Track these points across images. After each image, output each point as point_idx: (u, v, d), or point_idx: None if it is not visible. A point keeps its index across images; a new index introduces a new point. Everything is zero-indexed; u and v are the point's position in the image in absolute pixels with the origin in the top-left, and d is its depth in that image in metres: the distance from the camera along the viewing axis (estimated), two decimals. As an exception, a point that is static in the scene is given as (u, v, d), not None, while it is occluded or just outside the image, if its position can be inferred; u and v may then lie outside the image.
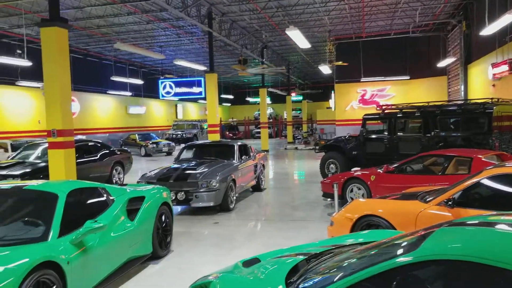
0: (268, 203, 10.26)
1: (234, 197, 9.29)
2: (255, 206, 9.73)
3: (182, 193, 8.44)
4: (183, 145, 11.18)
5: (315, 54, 29.80)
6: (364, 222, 5.12)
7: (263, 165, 11.68)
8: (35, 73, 18.56)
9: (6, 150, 15.88)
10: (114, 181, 12.76)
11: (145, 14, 17.56)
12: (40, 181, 5.09)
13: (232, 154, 10.24)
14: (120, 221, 5.01)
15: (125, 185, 6.74)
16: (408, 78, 23.45)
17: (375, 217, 5.08)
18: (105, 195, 5.16)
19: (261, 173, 11.45)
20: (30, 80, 20.15)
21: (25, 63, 15.97)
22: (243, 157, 10.43)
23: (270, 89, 34.80)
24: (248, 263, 3.23)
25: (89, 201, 4.99)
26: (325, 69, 25.97)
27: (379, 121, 11.86)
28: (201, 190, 8.46)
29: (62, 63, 9.17)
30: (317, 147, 13.78)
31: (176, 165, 9.70)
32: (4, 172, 9.73)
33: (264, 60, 25.57)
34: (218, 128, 18.59)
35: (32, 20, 17.58)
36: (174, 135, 30.98)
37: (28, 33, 18.97)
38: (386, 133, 11.07)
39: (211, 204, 8.56)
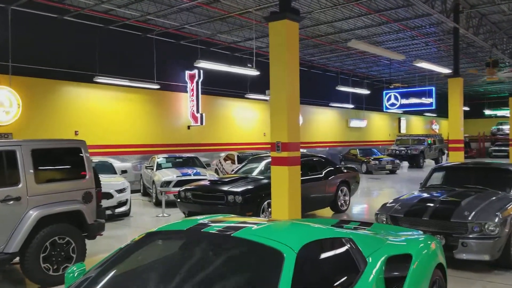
0: None
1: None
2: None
3: (441, 237, 5.96)
4: (433, 167, 8.56)
5: None
6: None
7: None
8: (261, 86, 18.55)
9: (233, 162, 15.96)
10: (339, 203, 10.98)
11: (377, 13, 15.54)
12: (253, 222, 3.47)
13: (509, 182, 7.20)
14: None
15: (370, 224, 4.71)
16: None
17: None
18: (354, 252, 3.18)
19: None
20: (257, 93, 20.39)
21: (253, 72, 15.80)
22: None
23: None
24: None
25: (328, 263, 3.08)
26: None
27: None
28: (472, 236, 5.81)
29: (290, 62, 7.80)
30: None
31: (425, 194, 7.23)
32: (226, 188, 8.93)
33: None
34: (462, 145, 15.15)
35: (262, 32, 17.52)
36: (397, 151, 27.90)
37: (258, 45, 19.14)
38: None
39: (486, 258, 5.81)
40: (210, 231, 3.14)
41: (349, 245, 3.19)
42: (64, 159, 6.50)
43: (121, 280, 2.98)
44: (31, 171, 5.79)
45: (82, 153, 6.45)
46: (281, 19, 7.73)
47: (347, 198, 11.29)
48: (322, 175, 10.55)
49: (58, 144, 6.70)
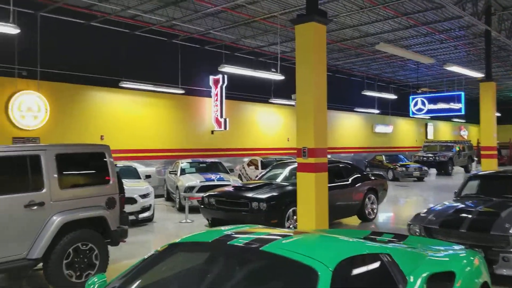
0: None
1: None
2: None
3: (480, 250, 5.61)
4: (468, 175, 8.18)
5: None
6: None
7: None
8: (285, 91, 18.36)
9: (256, 167, 15.80)
10: (366, 212, 10.66)
11: (405, 17, 15.16)
12: (282, 234, 3.27)
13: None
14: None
15: (404, 237, 4.44)
16: None
17: None
18: (393, 270, 2.93)
19: None
20: (281, 98, 20.19)
21: (277, 76, 15.63)
22: None
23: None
24: None
25: (366, 283, 2.82)
26: None
27: None
28: (513, 250, 5.47)
29: (317, 65, 7.58)
30: None
31: (460, 204, 6.88)
32: (250, 195, 8.74)
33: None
34: (495, 152, 14.59)
35: (287, 37, 17.34)
36: (424, 158, 27.16)
37: (282, 49, 18.96)
38: None
39: (529, 273, 5.45)
40: (237, 244, 2.94)
41: (388, 262, 2.93)
42: (88, 164, 6.43)
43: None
44: (55, 176, 5.73)
45: (106, 158, 6.37)
46: (308, 22, 7.53)
47: (374, 206, 10.94)
48: (349, 182, 10.24)
49: (82, 149, 6.64)
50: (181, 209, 12.07)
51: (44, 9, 13.24)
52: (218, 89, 18.34)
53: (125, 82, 14.89)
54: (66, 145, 6.60)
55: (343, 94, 26.04)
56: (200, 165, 14.03)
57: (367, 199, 10.65)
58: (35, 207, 5.49)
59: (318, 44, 7.58)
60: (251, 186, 9.54)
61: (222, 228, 3.48)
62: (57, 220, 5.58)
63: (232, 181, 12.27)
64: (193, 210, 11.19)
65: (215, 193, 9.50)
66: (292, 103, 18.86)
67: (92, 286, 2.97)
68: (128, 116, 15.76)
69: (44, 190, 5.61)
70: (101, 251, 5.97)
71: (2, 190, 5.36)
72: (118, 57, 15.28)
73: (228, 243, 2.96)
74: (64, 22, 13.98)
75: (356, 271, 2.75)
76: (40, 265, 5.73)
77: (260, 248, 2.80)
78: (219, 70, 15.02)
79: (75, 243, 5.72)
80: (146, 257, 3.12)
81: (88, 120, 14.65)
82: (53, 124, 13.71)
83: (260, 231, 3.39)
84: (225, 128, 18.30)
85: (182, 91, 16.75)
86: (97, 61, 15.11)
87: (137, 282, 2.88)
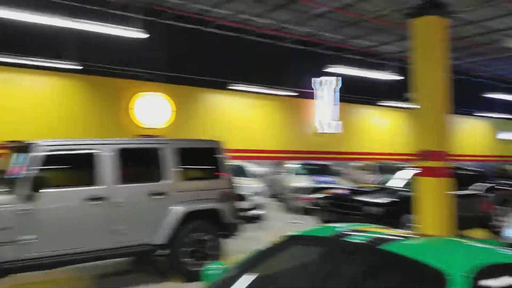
0: None
1: None
2: None
3: None
4: None
5: None
6: None
7: None
8: (397, 92, 17.57)
9: (369, 172, 15.38)
10: (496, 225, 9.66)
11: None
12: (401, 234, 3.06)
13: None
14: None
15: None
16: None
17: None
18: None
19: None
20: (391, 100, 19.35)
21: (391, 77, 15.05)
22: None
23: None
24: None
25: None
26: None
27: None
28: None
29: (439, 61, 7.05)
30: None
31: None
32: (364, 198, 8.42)
33: None
34: None
35: (398, 35, 16.56)
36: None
37: (394, 49, 18.16)
38: None
39: None
40: (354, 241, 2.80)
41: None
42: (203, 158, 6.73)
43: (259, 283, 2.84)
44: (176, 168, 6.06)
45: (219, 154, 6.60)
46: (428, 15, 7.03)
47: (507, 219, 9.85)
48: (477, 190, 9.35)
49: (198, 144, 7.01)
50: (289, 209, 12.11)
51: (169, 17, 14.26)
52: (324, 90, 18.13)
53: (235, 84, 15.45)
54: (184, 140, 7.01)
55: (459, 96, 24.09)
56: (310, 167, 14.03)
57: (497, 211, 9.62)
58: (158, 196, 5.86)
59: (440, 39, 7.06)
60: (366, 189, 9.26)
61: (334, 225, 3.37)
62: (180, 210, 5.90)
63: (343, 184, 12.06)
64: (302, 211, 11.15)
65: (328, 195, 9.38)
66: (403, 105, 17.99)
67: (210, 272, 3.05)
68: (238, 117, 16.33)
69: (165, 181, 5.97)
70: (216, 243, 6.19)
71: (130, 179, 5.81)
72: (229, 60, 15.94)
73: (344, 239, 2.85)
74: (184, 28, 14.90)
75: (495, 281, 2.41)
76: (162, 251, 6.06)
77: (379, 247, 2.63)
78: (327, 71, 14.86)
79: (192, 232, 6.00)
80: (262, 247, 3.13)
81: (204, 120, 15.48)
82: (177, 124, 14.70)
83: (376, 230, 3.21)
84: (331, 131, 18.05)
85: (289, 93, 16.90)
86: (212, 64, 15.92)
87: (253, 272, 2.90)
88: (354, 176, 16.20)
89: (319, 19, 15.09)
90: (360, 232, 3.00)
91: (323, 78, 18.04)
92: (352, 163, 17.67)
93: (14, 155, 5.66)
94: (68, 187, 5.48)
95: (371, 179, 11.45)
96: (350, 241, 2.81)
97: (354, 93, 19.23)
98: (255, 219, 10.82)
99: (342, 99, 19.08)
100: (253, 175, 12.72)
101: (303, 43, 17.71)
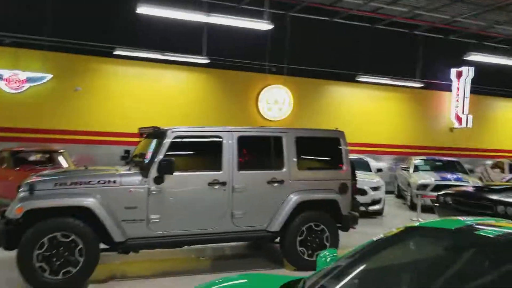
0: None
1: None
2: None
3: None
4: None
5: None
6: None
7: None
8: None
9: (502, 171, 13.90)
10: None
11: None
12: None
13: None
14: None
15: None
16: None
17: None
18: None
19: None
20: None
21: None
22: None
23: None
24: None
25: None
26: None
27: None
28: None
29: None
30: None
31: None
32: (496, 197, 7.61)
33: None
34: None
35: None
36: None
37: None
38: None
39: None
40: (487, 235, 2.56)
41: None
42: (324, 148, 6.70)
43: (374, 274, 2.76)
44: (294, 157, 6.14)
45: (341, 145, 6.51)
46: None
47: None
48: None
49: (319, 133, 7.00)
50: (412, 207, 11.51)
51: (294, 9, 14.39)
52: (461, 82, 16.71)
53: (362, 76, 15.02)
54: (305, 129, 7.04)
55: None
56: (436, 163, 13.25)
57: None
58: (276, 184, 6.00)
59: None
60: (496, 188, 8.39)
61: (461, 218, 3.10)
62: (294, 198, 5.99)
63: (471, 182, 11.10)
64: (425, 209, 10.52)
65: (453, 192, 8.70)
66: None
67: (324, 259, 3.04)
68: (361, 110, 15.89)
69: (284, 169, 6.08)
70: (331, 234, 6.14)
71: (250, 166, 6.05)
72: (356, 52, 15.52)
73: (475, 232, 2.63)
74: (309, 20, 14.91)
75: None
76: (278, 239, 6.21)
77: None
78: (465, 58, 13.65)
79: (308, 222, 6.04)
80: (378, 237, 3.02)
81: (324, 113, 15.35)
82: (295, 116, 14.88)
83: (509, 225, 2.88)
84: (466, 125, 16.60)
85: (419, 85, 15.95)
86: (336, 56, 15.65)
87: (367, 262, 2.82)
88: (487, 175, 14.77)
89: (458, 3, 13.81)
90: (491, 227, 2.76)
91: (459, 69, 16.63)
92: (488, 161, 16.06)
93: (151, 141, 6.14)
94: (194, 171, 5.84)
95: (505, 178, 10.31)
96: (483, 235, 2.60)
97: (496, 85, 17.38)
98: (374, 214, 10.49)
99: (481, 92, 17.40)
100: (375, 170, 12.32)
101: (439, 31, 16.45)
